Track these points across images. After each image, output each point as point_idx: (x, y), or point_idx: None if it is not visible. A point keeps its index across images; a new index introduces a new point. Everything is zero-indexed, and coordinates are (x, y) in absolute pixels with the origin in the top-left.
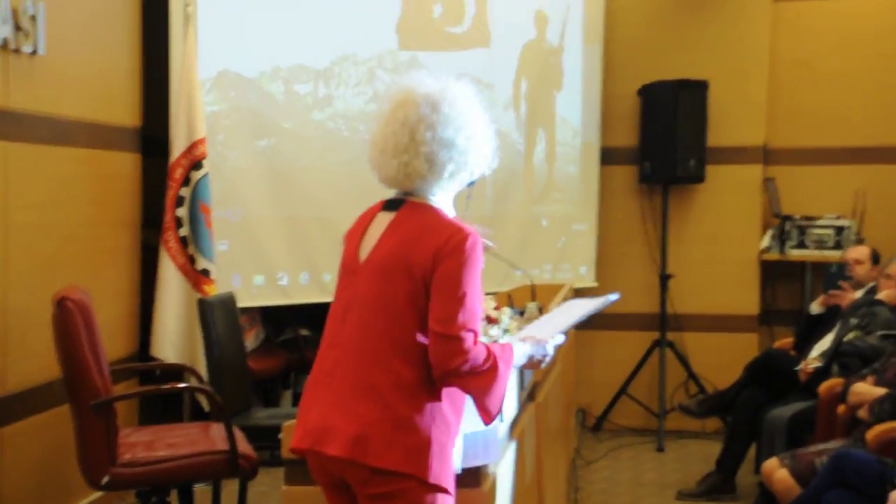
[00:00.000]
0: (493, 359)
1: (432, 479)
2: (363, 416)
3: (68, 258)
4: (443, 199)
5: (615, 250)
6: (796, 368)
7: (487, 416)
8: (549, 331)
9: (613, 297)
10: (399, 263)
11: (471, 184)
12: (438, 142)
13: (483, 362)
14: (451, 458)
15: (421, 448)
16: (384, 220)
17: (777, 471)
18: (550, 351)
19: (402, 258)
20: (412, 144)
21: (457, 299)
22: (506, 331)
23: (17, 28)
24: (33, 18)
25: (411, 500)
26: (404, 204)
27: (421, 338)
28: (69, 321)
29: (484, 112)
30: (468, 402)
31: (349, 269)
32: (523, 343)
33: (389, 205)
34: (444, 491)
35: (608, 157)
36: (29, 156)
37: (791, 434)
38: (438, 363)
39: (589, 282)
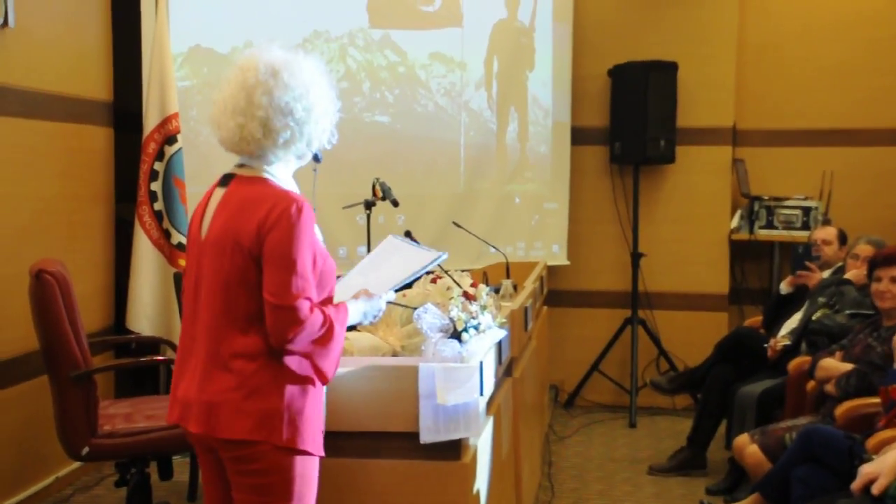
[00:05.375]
0: (330, 322)
1: (288, 443)
2: (213, 390)
3: (42, 231)
4: (281, 170)
5: (587, 229)
6: (765, 346)
7: (324, 378)
8: (381, 284)
9: (443, 255)
10: (229, 238)
11: (316, 158)
12: (274, 108)
13: (320, 328)
14: (313, 419)
15: (272, 414)
16: (218, 195)
17: (748, 446)
18: (383, 307)
19: (231, 233)
20: (249, 107)
21: (287, 269)
22: (483, 307)
23: None
24: None
25: (268, 462)
26: (234, 178)
27: (258, 309)
28: (48, 293)
29: (331, 89)
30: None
31: (194, 245)
32: (357, 301)
33: (223, 180)
34: (303, 452)
35: (579, 136)
36: (1, 128)
37: (761, 410)
38: (276, 333)
39: (561, 260)
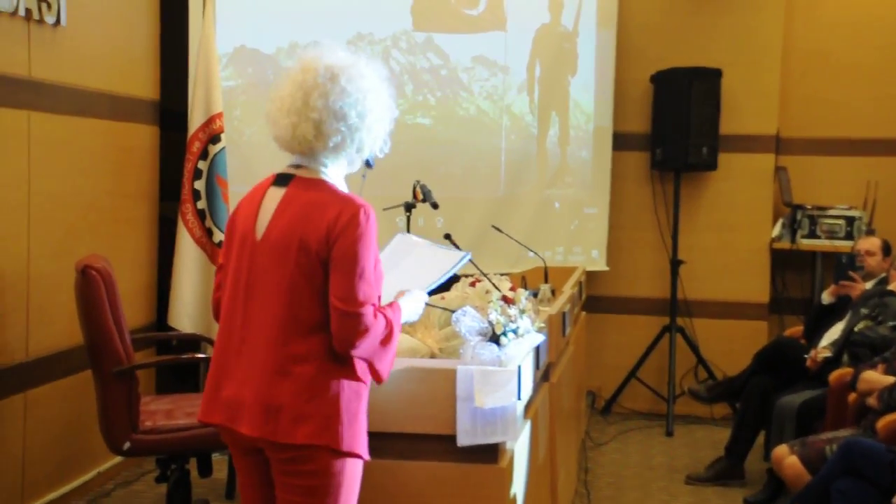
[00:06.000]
0: (391, 326)
1: (345, 448)
2: (272, 393)
3: (89, 227)
4: (334, 173)
5: (626, 235)
6: (805, 357)
7: (379, 379)
8: (411, 281)
9: (468, 255)
10: (293, 242)
11: (368, 164)
12: (328, 112)
13: (382, 332)
14: (363, 423)
15: (331, 418)
16: (276, 195)
17: (787, 457)
18: (423, 306)
19: (296, 236)
20: (304, 109)
21: (356, 275)
22: (522, 311)
23: None
24: None
25: (321, 465)
26: (294, 179)
27: (322, 313)
28: (92, 289)
29: (389, 97)
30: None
31: (247, 245)
32: (405, 300)
33: (279, 180)
34: (356, 456)
35: (620, 142)
36: (50, 125)
37: (801, 422)
38: (342, 339)
39: (601, 265)
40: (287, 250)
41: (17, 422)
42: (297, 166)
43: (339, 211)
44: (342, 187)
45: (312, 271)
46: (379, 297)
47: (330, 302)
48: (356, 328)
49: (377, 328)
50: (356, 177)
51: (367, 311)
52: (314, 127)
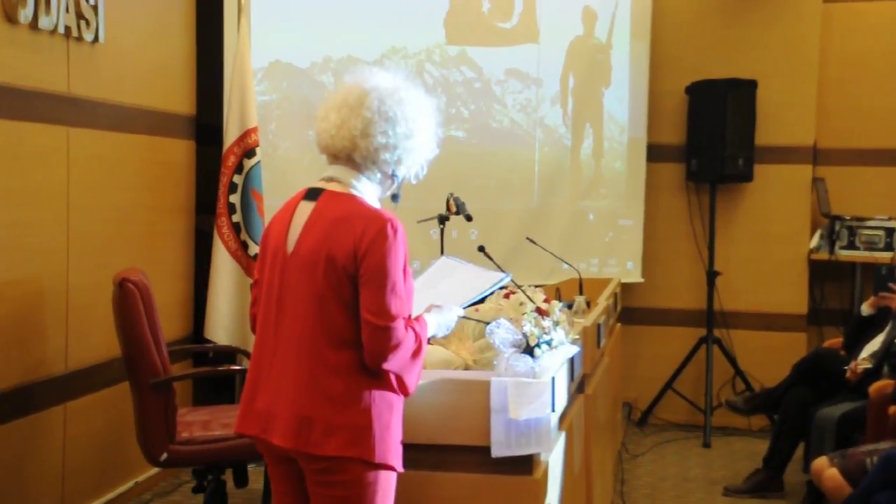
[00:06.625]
0: (420, 341)
1: (377, 459)
2: (304, 405)
3: (126, 241)
4: (367, 187)
5: (662, 246)
6: (845, 368)
7: (406, 392)
8: (449, 298)
9: (507, 276)
10: (321, 256)
11: (394, 198)
12: (381, 114)
13: (412, 345)
14: (397, 434)
15: (363, 430)
16: (306, 210)
17: (827, 469)
18: (455, 319)
19: (324, 251)
20: (357, 105)
21: (387, 289)
22: (556, 323)
23: (79, 16)
24: (94, 8)
25: (354, 476)
26: (323, 193)
27: (351, 326)
28: (130, 302)
29: (435, 132)
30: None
31: (278, 259)
32: (432, 314)
33: (310, 194)
34: (389, 468)
35: (655, 153)
36: (89, 141)
37: (840, 433)
38: (374, 353)
39: (636, 277)
40: (315, 265)
41: (57, 433)
42: (329, 180)
43: (366, 226)
44: (373, 203)
45: (340, 286)
46: (410, 313)
47: (362, 316)
48: (388, 342)
49: (408, 342)
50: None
51: (399, 324)
52: (363, 123)
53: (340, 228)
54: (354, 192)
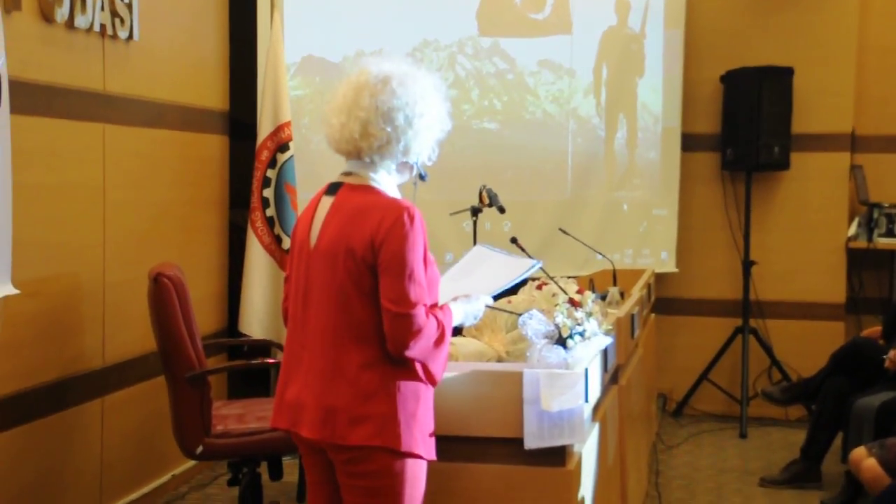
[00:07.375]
0: (442, 328)
1: (403, 448)
2: (329, 396)
3: (161, 236)
4: (385, 178)
5: (696, 236)
6: (884, 357)
7: (433, 381)
8: (476, 290)
9: (538, 263)
10: (341, 248)
11: (421, 177)
12: (376, 111)
13: (434, 332)
14: (425, 423)
15: (388, 420)
16: (326, 204)
17: (865, 459)
18: (483, 308)
19: (343, 242)
20: (353, 108)
21: (405, 277)
22: (589, 314)
23: (114, 15)
24: (129, 5)
25: (382, 466)
26: (342, 187)
27: (373, 316)
28: (165, 297)
29: (442, 108)
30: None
31: (304, 253)
32: (458, 303)
33: (330, 188)
34: (417, 456)
35: (689, 143)
36: (124, 137)
37: (879, 423)
38: (395, 341)
39: (670, 267)
40: (336, 257)
41: (95, 426)
42: (348, 174)
43: (383, 215)
44: (392, 193)
45: (360, 276)
46: (436, 303)
47: (382, 305)
48: (409, 329)
49: (430, 329)
50: (408, 185)
51: (419, 311)
52: (360, 125)
53: (358, 220)
54: (373, 183)
